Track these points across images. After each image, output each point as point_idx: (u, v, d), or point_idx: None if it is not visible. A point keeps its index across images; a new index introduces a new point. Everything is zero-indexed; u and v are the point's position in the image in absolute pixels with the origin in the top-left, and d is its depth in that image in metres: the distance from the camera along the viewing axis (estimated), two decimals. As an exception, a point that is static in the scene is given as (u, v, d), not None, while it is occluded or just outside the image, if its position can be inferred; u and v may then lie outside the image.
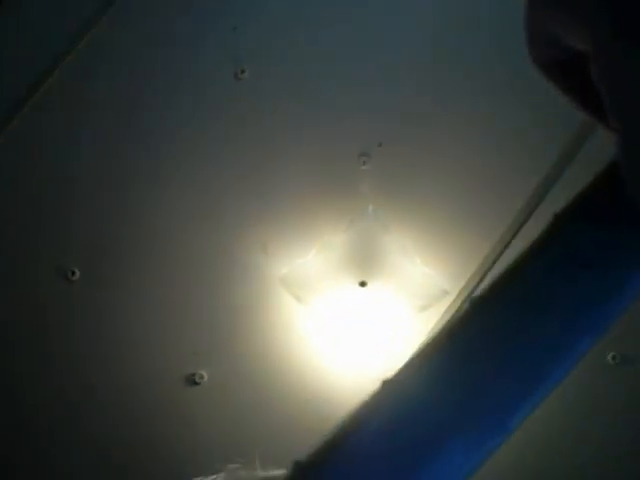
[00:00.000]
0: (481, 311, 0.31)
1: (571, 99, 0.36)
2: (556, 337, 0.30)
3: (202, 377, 1.22)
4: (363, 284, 1.23)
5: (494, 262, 1.26)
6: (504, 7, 1.32)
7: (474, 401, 0.29)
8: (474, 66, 1.32)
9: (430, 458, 0.27)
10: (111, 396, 1.23)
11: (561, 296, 0.30)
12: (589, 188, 0.33)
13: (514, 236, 1.28)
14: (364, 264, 1.24)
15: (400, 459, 0.27)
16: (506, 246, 1.28)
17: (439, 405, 0.29)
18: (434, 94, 1.30)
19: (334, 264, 1.24)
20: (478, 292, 0.31)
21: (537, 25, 0.33)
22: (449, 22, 1.32)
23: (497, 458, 0.29)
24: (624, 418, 1.26)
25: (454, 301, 1.26)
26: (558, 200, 1.29)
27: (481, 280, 1.26)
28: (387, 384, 0.30)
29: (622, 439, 1.26)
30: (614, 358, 1.21)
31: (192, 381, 1.23)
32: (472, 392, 0.29)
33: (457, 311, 1.25)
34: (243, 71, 1.29)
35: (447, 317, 1.25)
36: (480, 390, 0.29)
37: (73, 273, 1.24)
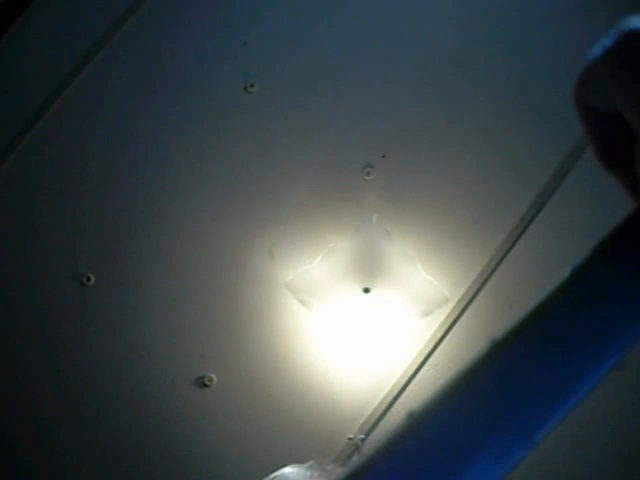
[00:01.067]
0: (510, 342, 0.32)
1: (595, 149, 0.37)
2: (582, 362, 0.31)
3: (211, 380, 1.25)
4: (367, 290, 1.25)
5: (494, 269, 1.29)
6: (510, 23, 1.35)
7: (506, 418, 0.31)
8: (477, 79, 1.34)
9: (460, 472, 0.30)
10: (122, 398, 1.26)
11: (588, 325, 0.31)
12: (614, 230, 0.34)
13: (514, 244, 1.30)
14: (368, 271, 1.26)
15: (430, 475, 0.30)
16: (506, 254, 1.30)
17: (470, 423, 0.30)
18: (437, 107, 1.33)
19: (339, 271, 1.26)
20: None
21: (594, 79, 0.33)
22: (451, 37, 1.35)
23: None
24: (621, 421, 1.27)
25: (455, 307, 1.28)
26: (557, 209, 1.31)
27: (481, 287, 1.29)
28: (413, 417, 0.31)
29: (620, 442, 1.27)
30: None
31: (202, 383, 1.25)
32: (504, 411, 0.31)
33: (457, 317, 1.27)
34: (252, 85, 1.32)
35: (449, 322, 1.28)
36: (511, 410, 0.31)
37: (88, 279, 1.28)
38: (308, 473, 0.61)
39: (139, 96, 1.34)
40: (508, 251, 1.30)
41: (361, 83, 1.33)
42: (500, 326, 0.33)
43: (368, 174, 1.30)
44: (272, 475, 0.64)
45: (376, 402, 1.26)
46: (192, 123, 1.33)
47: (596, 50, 0.32)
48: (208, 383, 1.25)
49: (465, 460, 0.30)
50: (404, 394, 1.26)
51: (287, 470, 0.64)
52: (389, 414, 1.26)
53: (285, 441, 1.25)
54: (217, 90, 1.33)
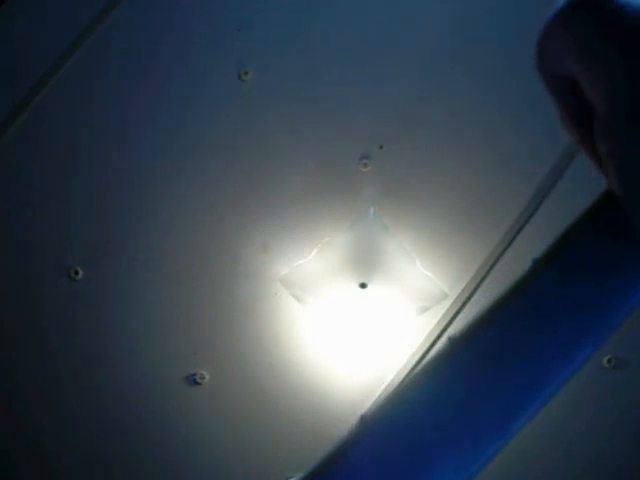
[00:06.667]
0: (487, 322, 0.31)
1: (563, 120, 0.36)
2: (559, 346, 0.30)
3: (203, 377, 1.23)
4: (363, 285, 1.23)
5: (493, 265, 1.27)
6: (505, 13, 1.33)
7: (478, 408, 0.29)
8: (475, 69, 1.32)
9: (420, 470, 0.27)
10: (111, 396, 1.23)
11: (564, 307, 0.30)
12: (592, 206, 0.33)
13: (513, 239, 1.29)
14: (364, 266, 1.24)
15: (399, 466, 0.27)
16: (505, 249, 1.28)
17: (439, 412, 0.28)
18: (435, 97, 1.31)
19: (335, 265, 1.25)
20: (484, 298, 0.32)
21: (551, 46, 0.32)
22: (450, 27, 1.33)
23: (493, 461, 0.30)
24: (620, 420, 1.27)
25: (454, 303, 1.26)
26: (556, 204, 1.29)
27: (480, 283, 1.27)
28: (366, 419, 0.29)
29: (618, 440, 1.26)
30: (609, 361, 1.22)
31: (193, 381, 1.23)
32: (477, 399, 0.28)
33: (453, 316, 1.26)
34: (246, 72, 1.30)
35: (447, 319, 1.26)
36: (484, 398, 0.28)
37: (77, 272, 1.24)
38: None
39: (129, 85, 1.31)
40: (507, 247, 1.28)
41: (359, 71, 1.31)
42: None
43: (365, 165, 1.28)
44: None
45: (372, 399, 1.25)
46: (183, 113, 1.30)
47: (553, 10, 0.30)
48: (200, 381, 1.23)
49: (431, 459, 0.28)
50: (400, 392, 1.24)
51: None
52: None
53: (279, 439, 1.24)
54: (209, 78, 1.31)
